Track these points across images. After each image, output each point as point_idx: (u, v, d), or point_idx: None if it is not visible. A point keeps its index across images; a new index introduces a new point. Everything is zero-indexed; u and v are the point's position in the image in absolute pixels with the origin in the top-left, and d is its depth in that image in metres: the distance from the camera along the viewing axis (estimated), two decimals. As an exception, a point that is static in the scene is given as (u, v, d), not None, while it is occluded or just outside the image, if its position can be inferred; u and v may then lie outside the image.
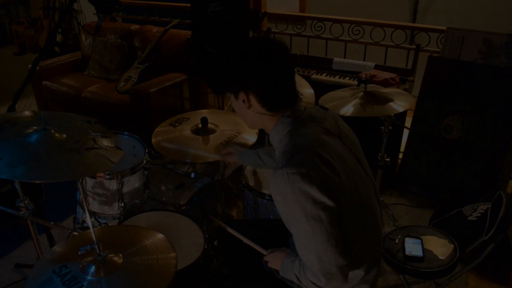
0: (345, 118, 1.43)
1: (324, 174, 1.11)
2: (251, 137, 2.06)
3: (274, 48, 1.17)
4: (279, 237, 1.48)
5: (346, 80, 3.00)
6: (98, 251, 1.29)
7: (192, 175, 2.21)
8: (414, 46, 3.02)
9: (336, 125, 1.28)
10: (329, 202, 1.10)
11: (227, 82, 1.23)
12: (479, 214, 2.18)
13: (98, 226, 2.02)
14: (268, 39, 1.21)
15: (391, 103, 2.12)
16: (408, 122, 2.91)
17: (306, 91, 2.38)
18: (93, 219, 2.06)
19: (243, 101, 1.22)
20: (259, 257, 1.47)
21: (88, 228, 1.37)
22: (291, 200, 1.11)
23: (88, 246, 1.29)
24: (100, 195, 2.01)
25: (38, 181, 1.40)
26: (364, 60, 3.21)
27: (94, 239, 1.29)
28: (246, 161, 1.76)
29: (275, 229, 1.56)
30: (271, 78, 1.17)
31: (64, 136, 1.47)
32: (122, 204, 2.02)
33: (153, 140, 2.05)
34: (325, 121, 1.25)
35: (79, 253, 1.28)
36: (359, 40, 3.30)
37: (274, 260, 1.38)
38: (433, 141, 2.82)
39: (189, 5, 3.10)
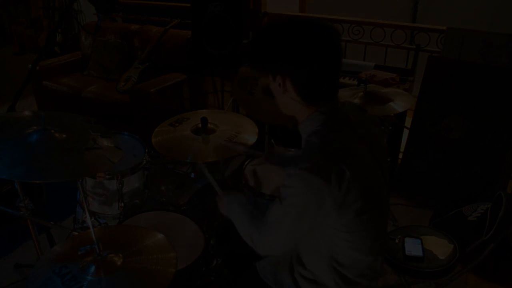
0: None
1: (330, 183, 1.08)
2: (251, 137, 2.06)
3: (323, 34, 1.07)
4: None
5: (346, 80, 3.00)
6: (98, 251, 1.29)
7: (192, 175, 2.22)
8: (414, 46, 3.02)
9: (370, 131, 1.24)
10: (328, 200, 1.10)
11: (265, 60, 1.14)
12: (479, 214, 2.18)
13: (98, 226, 2.02)
14: (321, 24, 1.09)
15: (391, 103, 2.12)
16: (408, 122, 2.91)
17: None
18: (93, 219, 2.06)
19: (279, 84, 1.14)
20: (255, 258, 1.48)
21: (88, 228, 1.37)
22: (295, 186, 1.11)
23: (88, 246, 1.29)
24: (100, 195, 2.01)
25: (38, 181, 1.40)
26: (364, 60, 3.21)
27: (94, 239, 1.29)
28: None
29: None
30: (312, 68, 1.08)
31: (64, 136, 1.47)
32: (122, 204, 2.02)
33: (153, 140, 2.05)
34: (360, 127, 1.19)
35: (79, 253, 1.28)
36: (359, 40, 3.30)
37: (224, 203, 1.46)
38: (433, 141, 2.82)
39: (189, 5, 3.11)
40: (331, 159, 1.09)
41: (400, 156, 3.03)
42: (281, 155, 1.80)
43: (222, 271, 1.83)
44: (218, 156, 1.90)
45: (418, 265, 1.70)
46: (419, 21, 4.35)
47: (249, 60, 1.21)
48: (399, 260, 1.73)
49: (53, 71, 3.83)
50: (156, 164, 2.30)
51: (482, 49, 2.65)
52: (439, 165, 2.82)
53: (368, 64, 3.06)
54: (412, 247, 1.77)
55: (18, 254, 2.39)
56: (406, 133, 2.95)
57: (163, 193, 2.23)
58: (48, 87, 3.74)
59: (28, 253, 2.38)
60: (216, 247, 1.83)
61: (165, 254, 1.35)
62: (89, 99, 3.49)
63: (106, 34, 3.90)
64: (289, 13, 3.92)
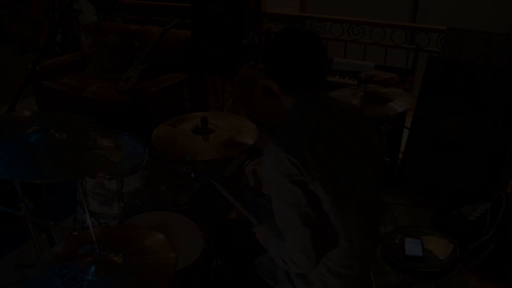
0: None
1: (303, 154, 1.17)
2: (250, 137, 2.06)
3: (292, 40, 1.27)
4: None
5: (346, 80, 3.00)
6: (98, 251, 1.29)
7: (192, 175, 2.22)
8: (414, 46, 3.02)
9: (355, 122, 1.32)
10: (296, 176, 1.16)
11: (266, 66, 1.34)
12: (479, 214, 2.18)
13: (98, 226, 2.02)
14: (293, 29, 1.29)
15: (391, 103, 2.12)
16: (408, 122, 2.91)
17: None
18: (93, 219, 2.06)
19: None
20: (255, 257, 1.48)
21: (88, 228, 1.37)
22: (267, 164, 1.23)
23: (88, 246, 1.29)
24: (100, 195, 2.02)
25: (38, 181, 1.40)
26: (364, 60, 3.21)
27: (94, 239, 1.29)
28: None
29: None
30: (280, 63, 1.28)
31: (64, 136, 1.47)
32: (122, 204, 2.02)
33: (153, 140, 2.05)
34: (342, 114, 1.30)
35: (79, 253, 1.28)
36: (359, 40, 3.30)
37: (261, 232, 1.42)
38: (433, 141, 2.82)
39: (189, 5, 3.11)
40: (303, 134, 1.22)
41: (400, 156, 3.03)
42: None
43: (222, 271, 1.84)
44: (218, 154, 1.90)
45: (418, 265, 1.70)
46: (419, 21, 4.35)
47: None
48: (399, 260, 1.73)
49: (53, 71, 3.83)
50: (156, 164, 2.30)
51: (482, 49, 2.65)
52: (439, 165, 2.82)
53: (368, 64, 3.06)
54: (412, 247, 1.77)
55: (18, 254, 2.39)
56: (406, 133, 2.95)
57: (163, 193, 2.23)
58: (48, 87, 3.74)
59: (28, 253, 2.38)
60: (216, 246, 1.83)
61: (165, 254, 1.35)
62: (89, 99, 3.49)
63: (106, 34, 3.90)
64: (289, 13, 3.92)
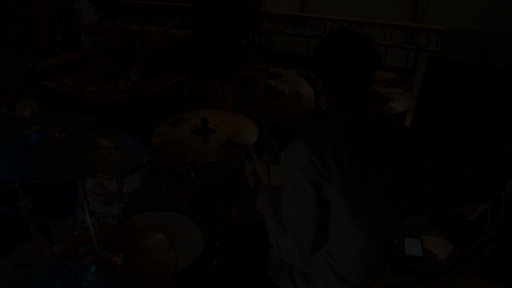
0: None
1: (324, 155, 1.16)
2: (250, 137, 2.06)
3: (338, 42, 1.27)
4: None
5: (346, 80, 3.00)
6: (98, 251, 1.29)
7: (192, 175, 2.22)
8: (414, 46, 3.02)
9: (390, 130, 1.29)
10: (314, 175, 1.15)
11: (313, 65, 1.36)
12: (479, 214, 2.18)
13: (98, 226, 2.02)
14: (345, 30, 1.31)
15: (391, 103, 2.12)
16: (408, 122, 2.91)
17: (306, 91, 2.37)
18: (93, 219, 2.06)
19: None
20: (261, 260, 1.48)
21: (88, 228, 1.37)
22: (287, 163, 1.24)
23: (88, 246, 1.29)
24: (100, 195, 2.02)
25: (38, 181, 1.40)
26: (364, 60, 3.20)
27: (94, 239, 1.29)
28: None
29: None
30: (329, 63, 1.28)
31: (64, 136, 1.47)
32: (122, 204, 2.02)
33: (153, 140, 2.05)
34: (378, 122, 1.27)
35: (79, 253, 1.28)
36: (359, 40, 3.29)
37: (261, 202, 1.44)
38: (433, 141, 2.82)
39: (189, 5, 3.10)
40: (328, 136, 1.20)
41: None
42: None
43: (222, 271, 1.84)
44: (218, 156, 1.90)
45: (418, 265, 1.70)
46: (419, 21, 4.35)
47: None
48: (399, 260, 1.73)
49: (53, 71, 3.83)
50: (156, 164, 2.30)
51: (482, 49, 2.65)
52: (439, 165, 2.82)
53: (368, 64, 3.06)
54: (412, 247, 1.77)
55: (18, 254, 2.39)
56: (406, 133, 2.94)
57: (163, 193, 2.23)
58: (48, 87, 3.74)
59: (28, 253, 2.38)
60: (220, 249, 1.83)
61: (165, 254, 1.35)
62: (89, 99, 3.49)
63: (106, 34, 3.90)
64: (289, 13, 3.92)
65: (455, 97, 2.71)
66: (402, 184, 1.29)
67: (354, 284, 1.29)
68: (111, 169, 1.92)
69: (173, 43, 3.59)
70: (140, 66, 3.57)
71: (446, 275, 1.72)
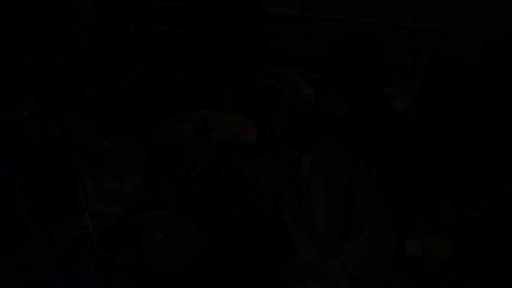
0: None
1: (354, 151, 1.18)
2: (251, 137, 2.06)
3: (350, 50, 1.28)
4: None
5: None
6: (98, 251, 1.29)
7: (192, 175, 2.21)
8: (414, 46, 3.02)
9: (413, 134, 1.32)
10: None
11: (324, 75, 1.38)
12: (479, 214, 2.18)
13: (98, 226, 2.02)
14: (354, 37, 1.32)
15: (391, 103, 2.12)
16: (408, 122, 2.90)
17: (306, 91, 2.37)
18: (93, 219, 2.06)
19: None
20: (262, 261, 1.48)
21: (88, 228, 1.37)
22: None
23: (88, 246, 1.29)
24: (100, 195, 2.01)
25: (38, 181, 1.40)
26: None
27: (94, 239, 1.29)
28: None
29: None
30: (342, 70, 1.30)
31: (64, 136, 1.47)
32: (122, 204, 2.02)
33: (153, 140, 2.05)
34: (402, 126, 1.31)
35: (79, 253, 1.28)
36: (359, 40, 3.29)
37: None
38: (433, 141, 2.81)
39: (189, 5, 3.10)
40: (357, 134, 1.23)
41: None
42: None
43: (222, 271, 1.84)
44: (218, 156, 1.90)
45: (418, 265, 1.70)
46: (419, 21, 4.35)
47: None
48: (399, 260, 1.73)
49: (53, 71, 3.83)
50: (156, 164, 2.30)
51: (482, 49, 2.65)
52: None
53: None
54: (412, 247, 1.77)
55: (18, 254, 2.39)
56: (406, 133, 2.94)
57: (163, 193, 2.23)
58: (48, 87, 3.74)
59: (28, 253, 2.38)
60: (223, 250, 1.83)
61: (165, 254, 1.35)
62: (89, 99, 3.49)
63: (106, 34, 3.90)
64: (289, 13, 3.92)
65: (455, 97, 2.71)
66: (421, 186, 1.31)
67: (362, 283, 1.30)
68: (111, 169, 1.92)
69: (173, 43, 3.58)
70: (140, 66, 3.57)
71: (446, 275, 1.72)
